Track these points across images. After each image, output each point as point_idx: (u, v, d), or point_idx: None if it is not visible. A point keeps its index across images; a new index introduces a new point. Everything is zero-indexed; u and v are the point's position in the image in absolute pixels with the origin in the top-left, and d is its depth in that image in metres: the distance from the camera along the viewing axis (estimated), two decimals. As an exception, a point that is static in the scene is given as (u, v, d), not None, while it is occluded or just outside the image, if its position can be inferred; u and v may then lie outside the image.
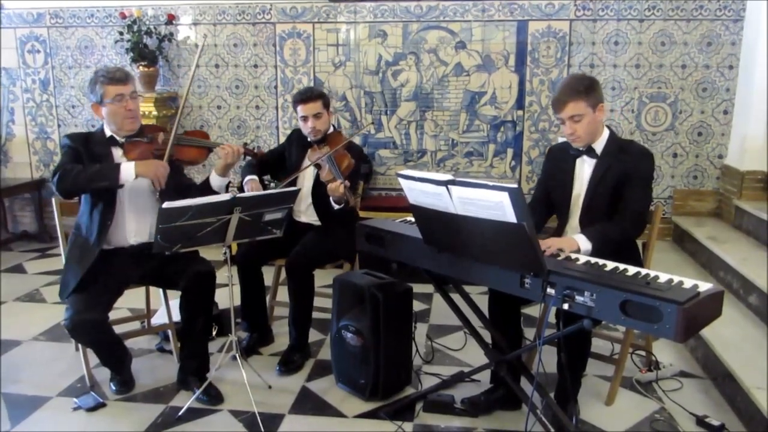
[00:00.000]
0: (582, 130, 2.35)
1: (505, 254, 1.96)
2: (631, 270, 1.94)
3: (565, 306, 1.88)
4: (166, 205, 2.17)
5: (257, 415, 2.44)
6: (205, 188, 2.70)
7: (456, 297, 2.50)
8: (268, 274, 3.16)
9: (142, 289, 2.94)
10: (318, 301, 2.99)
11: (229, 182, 2.77)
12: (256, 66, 4.74)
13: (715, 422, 2.39)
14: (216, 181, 2.69)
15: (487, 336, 2.52)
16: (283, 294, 3.18)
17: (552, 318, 2.30)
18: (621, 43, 4.35)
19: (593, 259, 2.07)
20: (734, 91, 4.30)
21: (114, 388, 2.69)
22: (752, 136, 4.08)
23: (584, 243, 2.21)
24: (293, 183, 2.98)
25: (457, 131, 4.62)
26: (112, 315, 2.56)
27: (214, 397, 2.59)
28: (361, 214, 3.42)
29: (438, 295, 2.64)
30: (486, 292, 2.53)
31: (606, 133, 2.43)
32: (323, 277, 3.15)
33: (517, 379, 2.43)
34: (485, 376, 2.66)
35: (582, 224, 2.43)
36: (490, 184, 1.84)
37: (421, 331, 3.23)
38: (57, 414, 2.54)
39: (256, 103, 4.80)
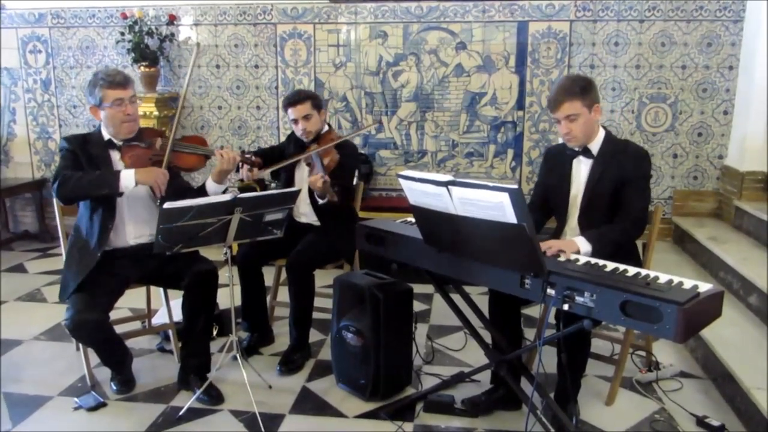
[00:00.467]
0: (578, 129, 2.35)
1: (505, 255, 1.96)
2: (631, 270, 1.94)
3: (565, 306, 1.89)
4: (167, 205, 2.17)
5: (258, 415, 2.45)
6: (202, 194, 2.68)
7: (456, 297, 2.51)
8: (269, 274, 3.16)
9: (143, 289, 2.94)
10: (318, 302, 2.99)
11: (227, 188, 2.76)
12: (257, 66, 4.75)
13: (715, 422, 2.39)
14: (212, 187, 2.68)
15: (487, 336, 2.53)
16: (283, 294, 3.19)
17: (552, 318, 2.30)
18: (621, 43, 4.35)
19: (593, 260, 2.07)
20: (734, 92, 4.30)
21: (115, 387, 2.69)
22: (752, 137, 4.08)
23: (584, 245, 2.21)
24: (291, 169, 3.01)
25: (457, 132, 4.62)
26: (113, 315, 2.56)
27: (214, 397, 2.60)
28: (362, 214, 3.42)
29: (438, 296, 2.64)
30: (486, 293, 2.53)
31: (602, 133, 2.44)
32: (323, 278, 3.15)
33: (517, 380, 2.43)
34: (485, 377, 2.66)
35: (580, 225, 2.43)
36: (491, 184, 1.85)
37: (421, 331, 3.24)
38: (58, 413, 2.54)
39: (257, 103, 4.81)
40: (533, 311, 3.29)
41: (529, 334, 3.09)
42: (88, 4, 4.82)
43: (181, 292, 2.64)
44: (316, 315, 2.99)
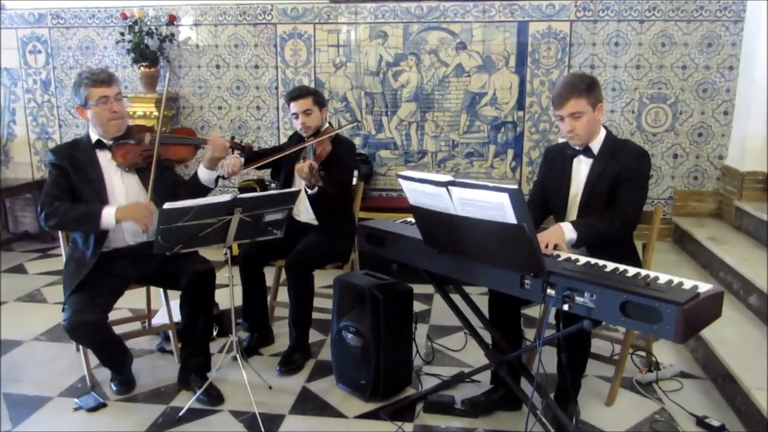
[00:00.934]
0: (581, 128, 2.35)
1: (505, 255, 1.96)
2: (631, 271, 1.94)
3: (565, 307, 1.89)
4: (167, 205, 2.17)
5: (258, 415, 2.45)
6: (195, 183, 2.70)
7: (456, 297, 2.51)
8: (269, 274, 3.16)
9: (143, 290, 2.94)
10: (318, 302, 2.99)
11: (218, 176, 2.76)
12: (257, 67, 4.75)
13: (715, 423, 2.39)
14: (204, 174, 2.68)
15: (487, 336, 2.53)
16: (283, 294, 3.18)
17: (552, 319, 2.30)
18: (621, 44, 4.35)
19: (593, 260, 2.07)
20: (734, 92, 4.30)
21: (115, 388, 2.69)
22: (752, 137, 4.08)
23: (569, 232, 2.23)
24: (291, 166, 3.01)
25: (457, 132, 4.62)
26: (113, 315, 2.56)
27: (214, 397, 2.60)
28: (362, 214, 3.43)
29: (438, 296, 2.64)
30: (486, 293, 2.53)
31: (603, 133, 2.44)
32: (323, 278, 3.15)
33: (517, 380, 2.43)
34: (485, 377, 2.66)
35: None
36: (490, 185, 1.85)
37: (421, 331, 3.24)
38: (58, 414, 2.54)
39: (257, 103, 4.81)
40: (533, 311, 3.29)
41: (529, 334, 3.09)
42: (88, 4, 4.82)
43: (181, 291, 2.64)
44: (316, 315, 2.99)
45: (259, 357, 3.05)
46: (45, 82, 5.02)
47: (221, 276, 2.78)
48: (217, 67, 4.79)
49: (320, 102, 3.06)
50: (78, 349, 2.88)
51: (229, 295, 2.55)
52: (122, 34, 4.59)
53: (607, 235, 2.31)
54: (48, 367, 2.94)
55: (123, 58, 4.77)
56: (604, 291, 1.80)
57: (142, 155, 2.58)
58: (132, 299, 2.95)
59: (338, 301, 2.70)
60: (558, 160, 2.54)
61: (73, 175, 2.53)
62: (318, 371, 2.90)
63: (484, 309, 2.50)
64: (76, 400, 2.60)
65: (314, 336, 3.12)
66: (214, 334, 3.20)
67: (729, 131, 4.37)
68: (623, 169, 2.35)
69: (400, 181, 2.15)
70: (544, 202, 2.62)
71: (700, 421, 2.43)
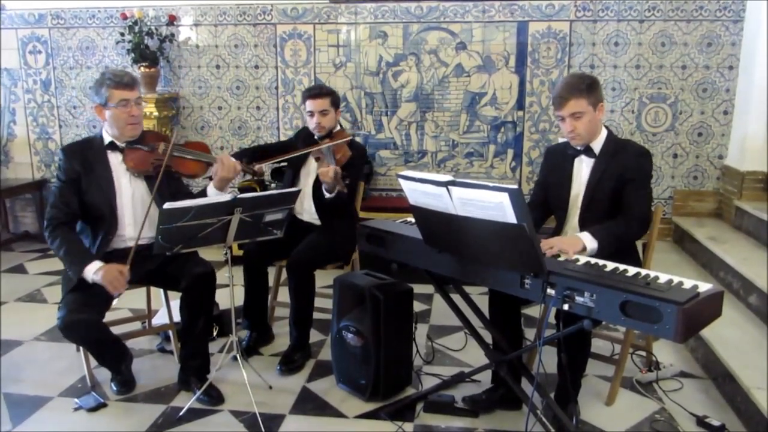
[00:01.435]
0: (582, 128, 2.35)
1: (505, 255, 1.96)
2: (631, 270, 1.94)
3: (565, 306, 1.89)
4: (167, 205, 2.17)
5: (258, 415, 2.45)
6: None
7: (456, 297, 2.51)
8: (270, 274, 3.16)
9: (143, 290, 2.94)
10: (318, 302, 2.99)
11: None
12: (257, 67, 4.75)
13: (716, 422, 2.39)
14: (212, 193, 2.67)
15: (487, 336, 2.53)
16: (283, 294, 3.19)
17: (552, 318, 2.30)
18: (621, 43, 4.35)
19: (593, 260, 2.07)
20: (734, 92, 4.30)
21: (115, 388, 2.69)
22: (752, 137, 4.08)
23: (590, 242, 2.18)
24: (298, 165, 3.02)
25: (457, 132, 4.62)
26: (114, 315, 2.57)
27: (214, 397, 2.60)
28: (362, 214, 3.43)
29: (438, 296, 2.64)
30: (486, 293, 2.53)
31: (604, 132, 2.44)
32: (324, 278, 3.15)
33: (517, 380, 2.43)
34: (486, 377, 2.66)
35: (581, 224, 2.43)
36: (490, 185, 1.85)
37: (421, 331, 3.24)
38: (58, 414, 2.54)
39: (257, 103, 4.81)
40: (533, 311, 3.29)
41: (529, 334, 3.09)
42: (88, 4, 4.82)
43: (181, 293, 2.64)
44: (316, 315, 2.99)
45: (259, 357, 3.05)
46: (45, 82, 5.02)
47: (221, 276, 2.77)
48: (217, 67, 4.79)
49: (336, 103, 3.06)
50: (78, 350, 2.88)
51: (229, 294, 2.55)
52: (122, 34, 4.59)
53: (626, 237, 2.30)
54: (48, 367, 2.94)
55: (123, 58, 4.77)
56: (604, 291, 1.80)
57: (153, 164, 2.58)
58: (132, 299, 2.95)
59: (338, 301, 2.70)
60: (559, 160, 2.54)
61: (83, 176, 2.53)
62: (318, 371, 2.90)
63: (485, 309, 2.50)
64: (76, 400, 2.60)
65: (314, 336, 3.12)
66: (215, 333, 3.20)
67: (729, 131, 4.37)
68: (625, 169, 2.34)
69: (400, 181, 2.15)
70: (545, 202, 2.62)
71: (701, 421, 2.43)
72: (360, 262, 3.22)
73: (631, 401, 2.63)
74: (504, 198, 1.80)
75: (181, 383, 2.71)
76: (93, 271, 2.40)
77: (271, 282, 3.24)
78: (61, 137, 5.07)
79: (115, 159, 2.61)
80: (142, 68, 4.59)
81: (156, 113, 4.52)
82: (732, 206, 4.15)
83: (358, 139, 4.61)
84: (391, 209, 4.08)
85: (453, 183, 1.93)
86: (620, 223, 2.31)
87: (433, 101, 4.60)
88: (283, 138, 4.70)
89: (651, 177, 2.44)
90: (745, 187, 4.08)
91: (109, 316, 2.56)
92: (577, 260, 2.08)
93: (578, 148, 2.44)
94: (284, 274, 3.06)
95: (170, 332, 2.98)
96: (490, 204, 1.84)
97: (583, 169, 2.46)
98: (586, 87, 2.32)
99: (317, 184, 3.02)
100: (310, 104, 3.00)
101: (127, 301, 2.86)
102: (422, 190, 2.05)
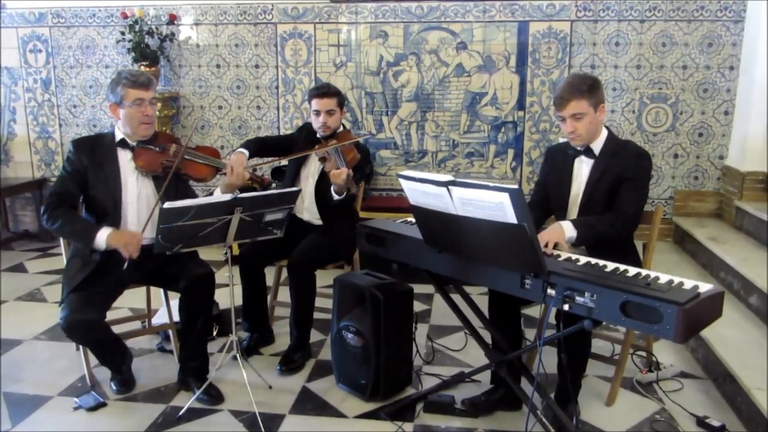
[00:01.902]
0: (583, 128, 2.35)
1: (505, 255, 1.96)
2: (632, 271, 1.94)
3: (566, 307, 1.89)
4: (167, 205, 2.17)
5: (258, 415, 2.45)
6: None
7: (456, 297, 2.51)
8: (269, 274, 3.16)
9: (143, 289, 2.94)
10: (319, 302, 2.99)
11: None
12: (257, 66, 4.75)
13: (716, 423, 2.39)
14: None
15: (487, 336, 2.52)
16: (283, 294, 3.19)
17: (552, 319, 2.30)
18: (622, 43, 4.35)
19: (593, 260, 2.07)
20: (735, 92, 4.30)
21: (114, 387, 2.69)
22: (753, 137, 4.08)
23: (569, 230, 2.24)
24: (299, 163, 3.01)
25: (457, 132, 4.62)
26: (113, 315, 2.57)
27: (214, 397, 2.59)
28: (362, 214, 3.42)
29: (438, 296, 2.64)
30: (486, 293, 2.53)
31: (604, 133, 2.44)
32: (324, 278, 3.15)
33: (517, 380, 2.43)
34: (486, 377, 2.66)
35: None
36: (491, 185, 1.85)
37: (421, 331, 3.24)
38: (58, 413, 2.54)
39: (258, 103, 4.81)
40: (533, 311, 3.29)
41: (530, 334, 3.09)
42: (88, 3, 4.82)
43: (180, 294, 2.64)
44: (316, 315, 2.99)
45: (259, 356, 3.05)
46: (45, 81, 5.02)
47: (221, 276, 2.77)
48: (218, 66, 4.79)
49: (342, 103, 3.05)
50: (78, 349, 2.88)
51: (229, 294, 2.55)
52: (123, 33, 4.59)
53: (608, 235, 2.31)
54: (48, 366, 2.94)
55: (123, 57, 4.77)
56: (604, 291, 1.80)
57: (163, 165, 2.60)
58: (132, 299, 2.95)
59: (338, 300, 2.70)
60: (559, 160, 2.54)
61: (90, 171, 2.54)
62: (318, 371, 2.90)
63: (485, 309, 2.49)
64: (75, 399, 2.60)
65: (314, 336, 3.12)
66: (215, 333, 3.20)
67: (729, 131, 4.37)
68: (624, 169, 2.34)
69: (401, 180, 2.14)
70: (545, 202, 2.62)
71: (701, 421, 2.43)
72: (360, 262, 3.22)
73: (632, 401, 2.63)
74: (504, 198, 1.80)
75: (180, 383, 2.71)
76: (104, 237, 2.43)
77: (271, 282, 3.24)
78: (62, 136, 5.07)
79: (124, 157, 2.61)
80: (142, 67, 4.58)
81: (156, 113, 4.50)
82: (732, 206, 4.15)
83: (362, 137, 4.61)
84: (392, 209, 4.08)
85: (453, 183, 1.93)
86: (605, 221, 2.32)
87: (433, 101, 4.59)
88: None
89: (649, 178, 2.44)
90: (746, 187, 4.08)
91: (109, 316, 2.55)
92: (578, 260, 2.08)
93: (578, 148, 2.44)
94: (284, 274, 3.05)
95: (170, 332, 2.98)
96: (491, 204, 1.84)
97: (583, 169, 2.46)
98: (588, 88, 2.32)
99: (320, 185, 3.02)
100: (316, 103, 2.99)
101: (127, 301, 2.86)
102: (422, 190, 2.05)
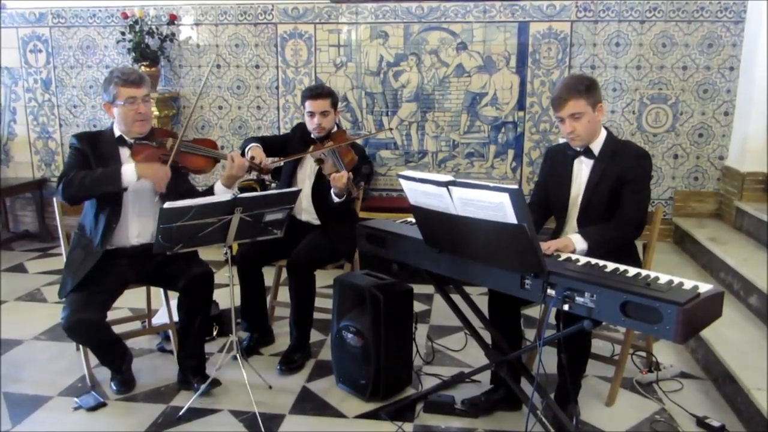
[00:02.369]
0: (582, 128, 2.35)
1: (505, 255, 1.96)
2: (632, 271, 1.94)
3: (566, 307, 1.89)
4: (167, 205, 2.17)
5: (258, 415, 2.45)
6: (208, 195, 2.69)
7: (456, 298, 2.51)
8: (269, 274, 3.16)
9: (143, 289, 2.94)
10: (319, 302, 2.99)
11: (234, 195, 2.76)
12: (257, 66, 4.75)
13: (716, 423, 2.39)
14: (220, 190, 2.67)
15: (487, 337, 2.53)
16: (283, 294, 3.19)
17: (552, 319, 2.30)
18: (622, 44, 4.35)
19: (593, 260, 2.07)
20: (735, 93, 4.30)
21: (115, 387, 2.69)
22: (753, 138, 4.08)
23: (580, 243, 2.22)
24: (294, 164, 3.01)
25: (458, 132, 4.62)
26: (113, 315, 2.57)
27: (214, 396, 2.59)
28: (362, 214, 3.42)
29: (438, 296, 2.64)
30: (486, 293, 2.53)
31: (603, 133, 2.44)
32: (324, 278, 3.15)
33: (517, 380, 2.43)
34: (485, 377, 2.66)
35: (580, 225, 2.43)
36: (491, 185, 1.85)
37: (421, 331, 3.24)
38: (58, 413, 2.54)
39: (258, 103, 4.81)
40: (533, 311, 3.29)
41: (530, 334, 3.09)
42: (88, 3, 4.82)
43: (179, 293, 2.64)
44: (316, 315, 2.99)
45: (259, 357, 3.05)
46: (45, 81, 5.02)
47: (221, 276, 2.78)
48: (218, 66, 4.79)
49: (336, 104, 3.04)
50: (78, 349, 2.88)
51: (229, 294, 2.55)
52: (123, 33, 4.59)
53: (619, 240, 2.31)
54: (48, 366, 2.94)
55: (124, 57, 4.76)
56: (604, 291, 1.80)
57: (161, 159, 2.59)
58: (132, 299, 2.95)
59: (338, 301, 2.70)
60: (559, 160, 2.54)
61: (92, 160, 2.54)
62: (318, 371, 2.90)
63: (484, 309, 2.49)
64: (76, 399, 2.60)
65: (314, 336, 3.12)
66: (214, 333, 3.20)
67: (729, 132, 4.37)
68: (624, 170, 2.34)
69: (401, 180, 2.14)
70: (545, 202, 2.62)
71: (701, 422, 2.43)
72: (360, 262, 3.22)
73: (631, 402, 2.63)
74: (504, 198, 1.80)
75: (180, 383, 2.71)
76: (133, 169, 2.46)
77: (270, 282, 3.24)
78: (62, 136, 5.07)
79: (124, 154, 2.62)
80: (142, 67, 4.58)
81: (157, 112, 4.52)
82: (732, 207, 4.15)
83: (358, 139, 4.61)
84: (392, 209, 4.08)
85: (453, 183, 1.93)
86: (613, 227, 2.32)
87: (433, 101, 4.59)
88: (283, 138, 4.70)
89: (650, 179, 2.44)
90: (746, 188, 4.08)
91: (109, 316, 2.55)
92: (578, 260, 2.08)
93: (578, 149, 2.44)
94: (284, 274, 3.05)
95: (170, 332, 2.98)
96: (491, 204, 1.84)
97: (582, 170, 2.46)
98: (585, 88, 2.32)
99: (317, 186, 3.02)
100: (310, 105, 2.97)
101: (127, 301, 2.86)
102: (423, 190, 2.05)
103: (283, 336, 3.16)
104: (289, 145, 3.13)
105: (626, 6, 4.29)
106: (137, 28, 4.55)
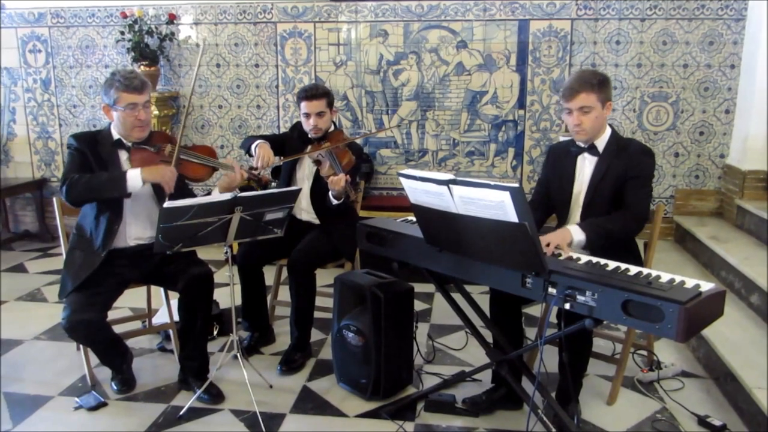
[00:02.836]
0: (588, 123, 2.34)
1: (506, 254, 1.96)
2: (633, 270, 1.93)
3: (567, 306, 1.88)
4: (167, 204, 2.17)
5: (258, 414, 2.45)
6: None
7: (457, 296, 2.50)
8: (269, 273, 3.16)
9: (143, 289, 2.94)
10: (319, 301, 2.99)
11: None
12: (257, 65, 4.75)
13: (717, 422, 2.39)
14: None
15: (488, 335, 2.52)
16: (284, 294, 3.18)
17: (553, 318, 2.29)
18: (622, 42, 4.34)
19: (595, 259, 2.06)
20: (736, 91, 4.29)
21: (115, 387, 2.69)
22: (754, 136, 4.07)
23: (577, 234, 2.21)
24: (293, 164, 3.01)
25: (458, 131, 4.61)
26: (114, 314, 2.56)
27: (215, 396, 2.59)
28: (362, 213, 3.42)
29: (439, 295, 2.64)
30: (487, 292, 2.53)
31: (608, 131, 2.43)
32: (324, 277, 3.15)
33: (518, 379, 2.43)
34: (486, 376, 2.66)
35: (582, 222, 2.42)
36: (492, 183, 1.84)
37: (422, 330, 3.24)
38: (58, 413, 2.54)
39: (257, 102, 4.81)
40: (534, 310, 3.29)
41: (530, 333, 3.08)
42: (87, 3, 4.82)
43: (179, 294, 2.63)
44: (317, 314, 2.99)
45: (259, 356, 3.04)
46: (45, 81, 5.02)
47: (222, 275, 2.77)
48: (218, 65, 4.78)
49: (331, 103, 3.02)
50: (78, 349, 2.88)
51: (229, 294, 2.55)
52: (122, 33, 4.59)
53: (619, 234, 2.29)
54: (48, 366, 2.94)
55: (123, 57, 4.76)
56: (605, 290, 1.80)
57: (158, 164, 2.57)
58: (132, 298, 2.95)
59: (339, 300, 2.70)
60: (562, 158, 2.53)
61: (92, 163, 2.53)
62: (319, 370, 2.90)
63: (486, 308, 2.49)
64: (76, 399, 2.60)
65: (315, 335, 3.12)
66: (215, 333, 3.20)
67: (730, 130, 4.37)
68: (628, 167, 2.34)
69: (401, 179, 2.14)
70: (546, 201, 2.61)
71: (702, 421, 2.42)
72: (361, 261, 3.22)
73: (633, 401, 2.62)
74: (505, 197, 1.79)
75: (181, 382, 2.71)
76: (138, 173, 2.43)
77: (270, 281, 3.24)
78: (61, 136, 5.07)
79: (122, 157, 2.61)
80: (142, 67, 4.58)
81: (156, 112, 4.51)
82: (733, 205, 4.15)
83: (359, 139, 4.61)
84: (392, 208, 4.08)
85: (454, 181, 1.92)
86: (615, 220, 2.31)
87: (433, 100, 4.59)
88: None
89: (653, 176, 2.43)
90: (747, 186, 4.07)
91: (109, 316, 2.55)
92: (579, 259, 2.07)
93: (581, 144, 2.43)
94: (284, 273, 3.05)
95: (170, 331, 2.98)
96: (492, 203, 1.84)
97: (585, 167, 2.45)
98: (598, 83, 2.32)
99: (315, 186, 3.02)
100: (305, 106, 2.94)
101: (128, 301, 2.86)
102: (423, 189, 2.05)
103: (283, 335, 3.16)
104: (287, 145, 3.12)
105: (627, 4, 4.28)
106: (136, 27, 4.54)
